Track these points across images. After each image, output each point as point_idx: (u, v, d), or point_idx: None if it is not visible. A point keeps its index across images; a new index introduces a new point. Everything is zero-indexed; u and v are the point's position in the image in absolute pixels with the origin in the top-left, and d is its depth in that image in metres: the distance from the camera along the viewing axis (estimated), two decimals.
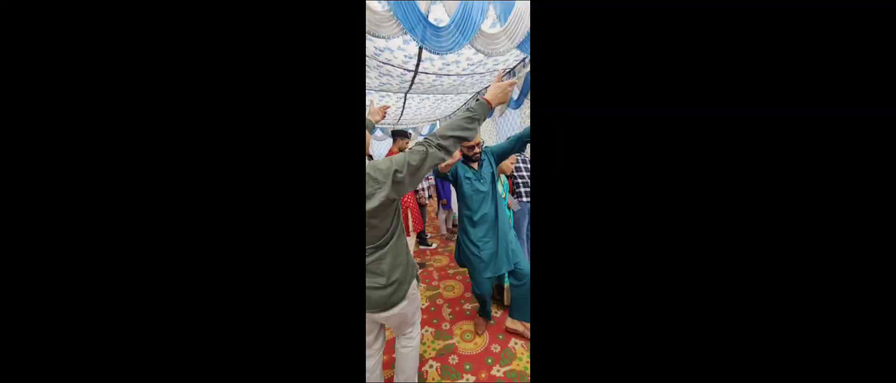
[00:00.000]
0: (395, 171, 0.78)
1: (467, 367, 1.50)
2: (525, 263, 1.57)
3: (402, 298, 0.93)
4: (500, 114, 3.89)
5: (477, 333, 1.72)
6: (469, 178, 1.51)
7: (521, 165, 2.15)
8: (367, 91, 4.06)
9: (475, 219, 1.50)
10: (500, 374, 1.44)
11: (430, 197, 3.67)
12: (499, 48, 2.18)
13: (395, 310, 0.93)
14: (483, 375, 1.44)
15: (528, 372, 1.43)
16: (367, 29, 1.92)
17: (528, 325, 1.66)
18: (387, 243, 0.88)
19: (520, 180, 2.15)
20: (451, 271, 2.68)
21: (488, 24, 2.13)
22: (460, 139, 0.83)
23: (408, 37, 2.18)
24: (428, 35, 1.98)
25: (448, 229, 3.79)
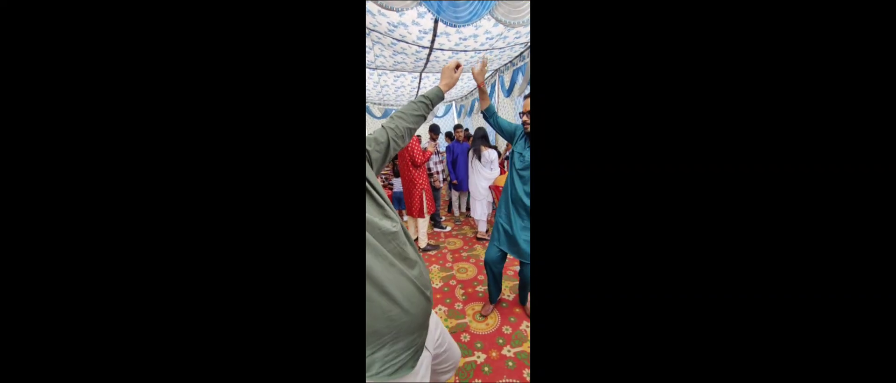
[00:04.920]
0: None
1: (479, 345, 1.50)
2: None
3: None
4: (519, 94, 3.73)
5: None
6: (521, 154, 1.40)
7: None
8: (382, 71, 3.99)
9: (527, 202, 1.39)
10: (510, 355, 1.44)
11: (444, 180, 3.61)
12: (522, 17, 2.04)
13: None
14: (494, 354, 1.44)
15: None
16: (378, 0, 1.84)
17: None
18: None
19: None
20: (464, 254, 2.67)
21: None
22: (410, 124, 0.81)
23: (422, 9, 2.08)
24: (444, 5, 1.88)
25: (461, 212, 3.76)
